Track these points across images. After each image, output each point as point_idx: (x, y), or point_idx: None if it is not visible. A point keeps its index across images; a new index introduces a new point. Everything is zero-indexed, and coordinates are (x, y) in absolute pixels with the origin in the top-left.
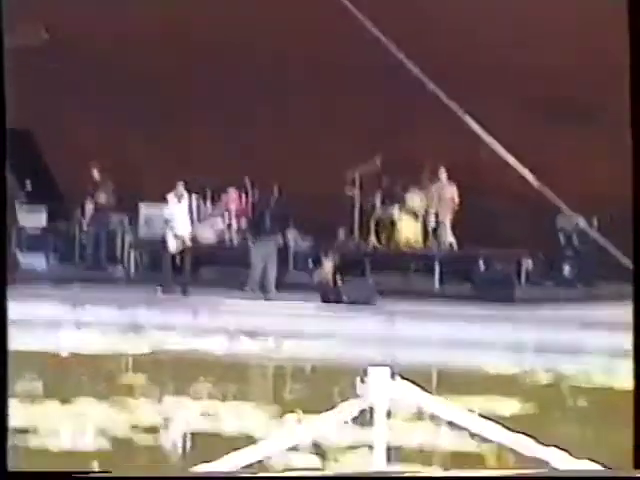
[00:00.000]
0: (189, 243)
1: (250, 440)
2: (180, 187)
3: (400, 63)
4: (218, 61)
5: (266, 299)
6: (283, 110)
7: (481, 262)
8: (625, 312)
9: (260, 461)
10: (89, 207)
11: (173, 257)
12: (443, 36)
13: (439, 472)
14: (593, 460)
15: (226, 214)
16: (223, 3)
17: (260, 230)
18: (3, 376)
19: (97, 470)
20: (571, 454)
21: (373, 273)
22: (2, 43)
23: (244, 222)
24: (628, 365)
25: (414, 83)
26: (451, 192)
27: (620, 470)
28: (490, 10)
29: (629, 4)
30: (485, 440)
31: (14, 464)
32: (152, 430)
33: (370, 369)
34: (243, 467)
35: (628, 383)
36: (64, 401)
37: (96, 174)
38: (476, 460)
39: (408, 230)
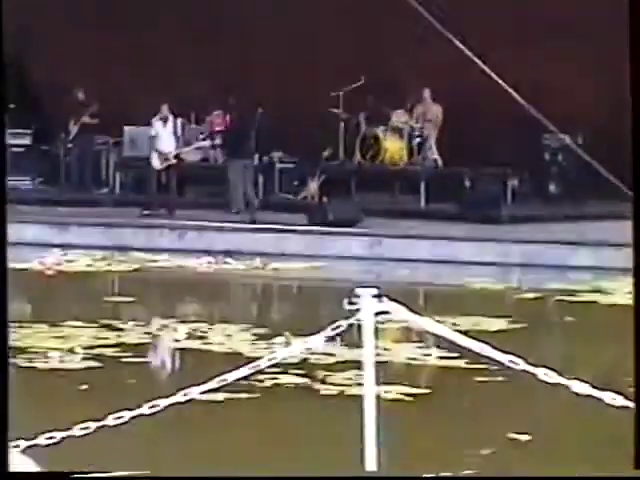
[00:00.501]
0: (173, 161)
1: (239, 358)
2: (164, 109)
3: None
4: None
5: (251, 219)
6: (267, 30)
7: (467, 181)
8: (611, 229)
9: (249, 379)
10: (74, 128)
11: (158, 177)
12: None
13: (443, 472)
14: (581, 380)
15: (211, 134)
16: None
17: (238, 149)
18: (4, 377)
19: (97, 470)
20: (560, 373)
21: (358, 192)
22: (2, 38)
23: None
24: (613, 281)
25: (398, 3)
26: (436, 111)
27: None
28: None
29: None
30: (473, 358)
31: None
32: (140, 349)
33: (358, 290)
34: (233, 382)
35: (614, 299)
36: (51, 322)
37: (81, 95)
38: (464, 376)
39: (393, 148)
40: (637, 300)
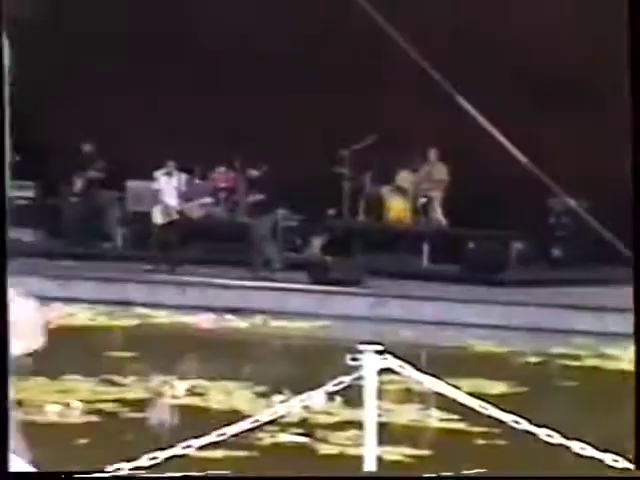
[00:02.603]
0: (176, 216)
1: (238, 415)
2: (169, 164)
3: (392, 42)
4: (209, 43)
5: (272, 275)
6: (274, 88)
7: (471, 242)
8: (614, 294)
9: (248, 436)
10: (78, 182)
11: (161, 232)
12: (437, 14)
13: (442, 472)
14: (582, 440)
15: (215, 191)
16: None
17: (260, 208)
18: (4, 375)
19: (98, 470)
20: (562, 434)
21: (362, 252)
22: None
23: (232, 199)
24: (615, 346)
25: (407, 63)
26: (441, 172)
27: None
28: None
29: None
30: (474, 419)
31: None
32: (140, 405)
33: (361, 346)
34: (231, 438)
35: (616, 364)
36: (52, 376)
37: (86, 149)
38: (465, 438)
39: (397, 208)
40: (636, 300)
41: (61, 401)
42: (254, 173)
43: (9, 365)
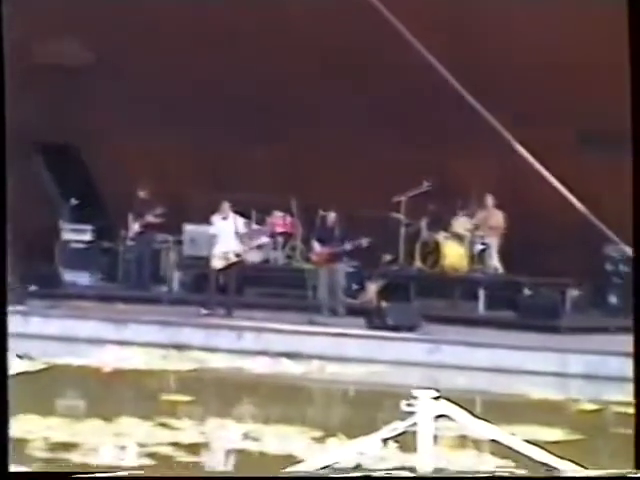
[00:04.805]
0: (234, 260)
1: (292, 460)
2: (225, 206)
3: (452, 88)
4: (266, 86)
5: (328, 321)
6: (329, 133)
7: (526, 289)
8: None
9: None
10: (135, 226)
11: (217, 277)
12: (495, 64)
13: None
14: None
15: (272, 235)
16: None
17: (337, 256)
18: (3, 379)
19: (98, 470)
20: None
21: (418, 298)
22: (2, 32)
23: (290, 244)
24: None
25: (465, 109)
26: (497, 218)
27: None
28: (541, 40)
29: (629, 6)
30: (529, 466)
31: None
32: (194, 449)
33: (416, 391)
34: None
35: None
36: (106, 418)
37: (142, 193)
38: None
39: (453, 254)
40: (637, 300)
41: (116, 443)
42: (332, 216)
43: (8, 368)
